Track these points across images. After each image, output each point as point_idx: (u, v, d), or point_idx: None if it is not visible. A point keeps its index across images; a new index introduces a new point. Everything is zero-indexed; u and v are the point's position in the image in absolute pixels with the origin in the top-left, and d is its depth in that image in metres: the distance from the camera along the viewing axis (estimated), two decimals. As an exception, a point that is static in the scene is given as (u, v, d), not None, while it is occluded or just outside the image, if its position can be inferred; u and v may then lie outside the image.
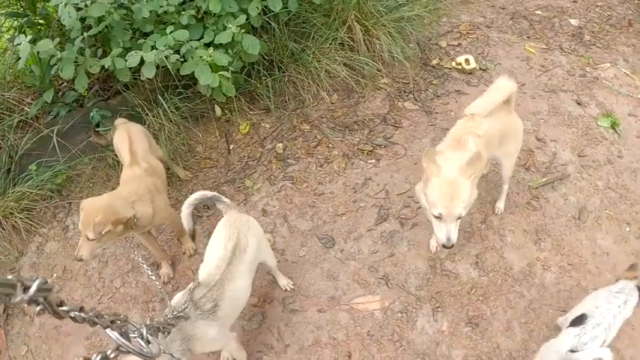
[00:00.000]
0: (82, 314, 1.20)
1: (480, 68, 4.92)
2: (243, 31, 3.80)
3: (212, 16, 3.93)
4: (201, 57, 3.69)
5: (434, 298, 3.48)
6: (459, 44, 5.20)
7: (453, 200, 2.70)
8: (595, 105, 4.58)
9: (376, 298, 3.51)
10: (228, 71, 3.76)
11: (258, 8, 3.89)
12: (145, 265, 2.80)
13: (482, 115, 3.09)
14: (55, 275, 3.93)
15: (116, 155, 3.92)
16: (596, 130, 4.40)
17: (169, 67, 3.69)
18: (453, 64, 4.94)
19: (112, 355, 1.35)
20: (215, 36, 3.85)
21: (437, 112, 4.59)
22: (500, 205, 3.86)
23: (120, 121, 3.78)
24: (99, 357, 1.27)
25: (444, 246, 2.85)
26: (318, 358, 3.30)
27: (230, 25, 3.76)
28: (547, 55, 5.06)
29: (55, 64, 3.77)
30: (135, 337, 1.56)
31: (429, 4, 5.11)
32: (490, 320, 3.37)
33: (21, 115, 4.50)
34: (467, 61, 4.88)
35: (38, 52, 3.75)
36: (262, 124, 4.66)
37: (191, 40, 3.80)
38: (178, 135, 4.42)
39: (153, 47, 3.74)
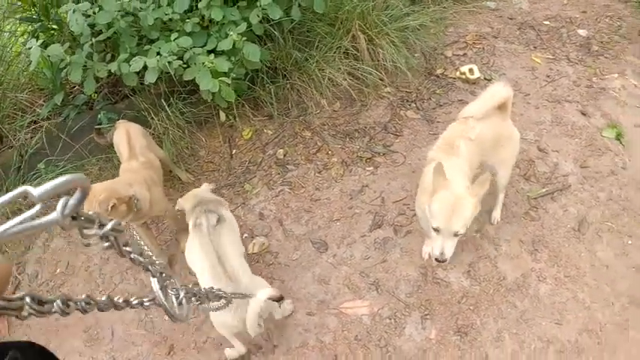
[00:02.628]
0: (141, 258, 1.29)
1: (485, 78, 4.91)
2: (244, 38, 3.88)
3: (216, 24, 4.01)
4: (203, 63, 3.78)
5: (423, 305, 3.48)
6: (465, 54, 5.20)
7: (453, 217, 2.69)
8: (600, 116, 4.53)
9: (365, 303, 3.53)
10: (228, 77, 3.84)
11: (259, 16, 3.95)
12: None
13: (476, 118, 3.12)
14: (58, 270, 4.02)
15: (122, 156, 4.04)
16: (601, 141, 4.35)
17: (172, 73, 3.79)
18: (457, 73, 4.94)
19: (147, 304, 1.40)
20: (218, 43, 3.93)
21: (438, 122, 4.59)
22: (497, 214, 3.83)
23: (120, 122, 3.92)
24: (136, 301, 1.33)
25: (436, 259, 2.82)
26: (305, 360, 3.34)
27: (231, 33, 3.84)
28: (553, 66, 5.03)
29: (65, 68, 3.90)
30: (171, 295, 1.60)
31: (435, 14, 5.14)
32: (480, 330, 3.35)
33: (33, 116, 4.64)
34: (471, 70, 4.87)
35: (49, 56, 3.87)
36: (265, 130, 4.72)
37: (195, 47, 3.89)
38: (183, 139, 4.52)
39: (158, 53, 3.84)
